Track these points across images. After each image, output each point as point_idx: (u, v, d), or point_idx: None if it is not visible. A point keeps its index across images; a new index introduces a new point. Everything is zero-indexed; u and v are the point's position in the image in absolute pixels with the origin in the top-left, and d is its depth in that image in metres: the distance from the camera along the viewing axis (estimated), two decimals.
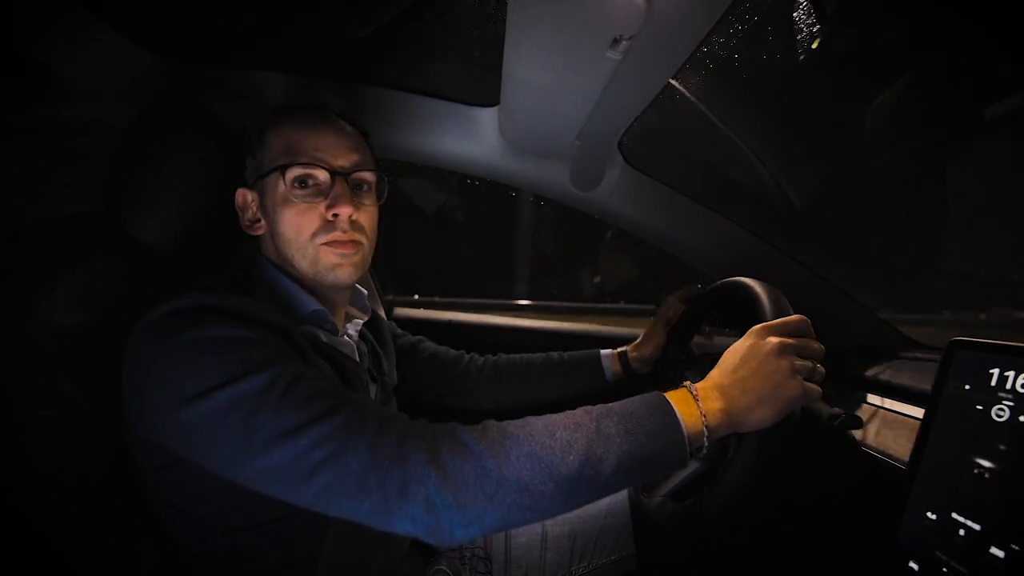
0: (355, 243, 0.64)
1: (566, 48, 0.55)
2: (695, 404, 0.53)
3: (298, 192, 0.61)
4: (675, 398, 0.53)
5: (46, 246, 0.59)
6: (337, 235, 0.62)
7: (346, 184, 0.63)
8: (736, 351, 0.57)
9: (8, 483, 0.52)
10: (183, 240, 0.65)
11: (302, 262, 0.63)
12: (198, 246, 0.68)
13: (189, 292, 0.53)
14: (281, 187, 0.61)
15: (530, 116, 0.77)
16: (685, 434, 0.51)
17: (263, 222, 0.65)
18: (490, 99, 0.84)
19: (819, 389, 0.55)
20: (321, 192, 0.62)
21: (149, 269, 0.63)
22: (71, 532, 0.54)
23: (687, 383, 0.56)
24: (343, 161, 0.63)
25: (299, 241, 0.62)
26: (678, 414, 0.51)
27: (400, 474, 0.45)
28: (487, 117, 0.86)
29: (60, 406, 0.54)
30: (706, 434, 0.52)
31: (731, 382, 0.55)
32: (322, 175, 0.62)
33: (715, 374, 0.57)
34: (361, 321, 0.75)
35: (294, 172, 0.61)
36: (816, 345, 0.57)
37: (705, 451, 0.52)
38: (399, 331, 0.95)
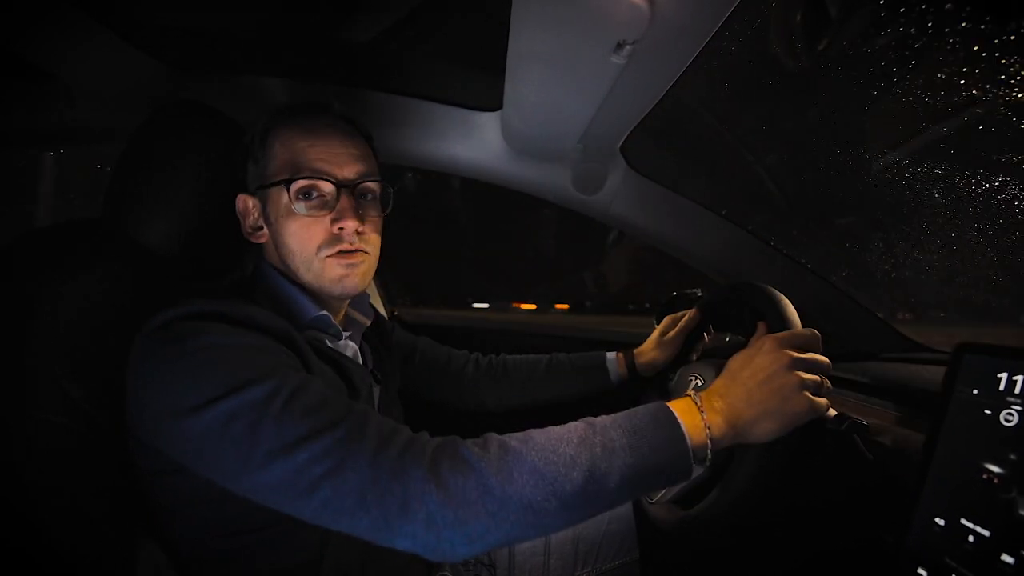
0: (361, 252, 0.63)
1: (570, 53, 0.55)
2: (699, 415, 0.52)
3: (303, 205, 0.60)
4: (679, 408, 0.52)
5: (51, 250, 0.59)
6: (344, 246, 0.61)
7: (352, 196, 0.61)
8: (744, 361, 0.56)
9: (10, 485, 0.52)
10: (187, 244, 0.66)
11: (307, 275, 0.62)
12: (202, 250, 0.68)
13: (192, 298, 0.53)
14: (285, 199, 0.60)
15: (533, 120, 0.77)
16: (689, 447, 0.50)
17: (265, 230, 0.64)
18: (493, 103, 0.84)
19: (827, 403, 0.55)
20: (326, 204, 0.61)
21: (153, 273, 0.63)
22: (72, 534, 0.54)
23: (691, 392, 0.55)
24: (348, 172, 0.62)
25: (304, 254, 0.61)
26: (682, 426, 0.51)
27: (400, 491, 0.45)
28: (490, 121, 0.86)
29: (63, 410, 0.54)
30: (710, 446, 0.51)
31: (738, 393, 0.54)
32: (327, 188, 0.60)
33: (721, 384, 0.56)
34: (364, 325, 0.75)
35: (298, 185, 0.60)
36: (824, 360, 0.56)
37: (709, 461, 0.51)
38: (401, 332, 0.95)
